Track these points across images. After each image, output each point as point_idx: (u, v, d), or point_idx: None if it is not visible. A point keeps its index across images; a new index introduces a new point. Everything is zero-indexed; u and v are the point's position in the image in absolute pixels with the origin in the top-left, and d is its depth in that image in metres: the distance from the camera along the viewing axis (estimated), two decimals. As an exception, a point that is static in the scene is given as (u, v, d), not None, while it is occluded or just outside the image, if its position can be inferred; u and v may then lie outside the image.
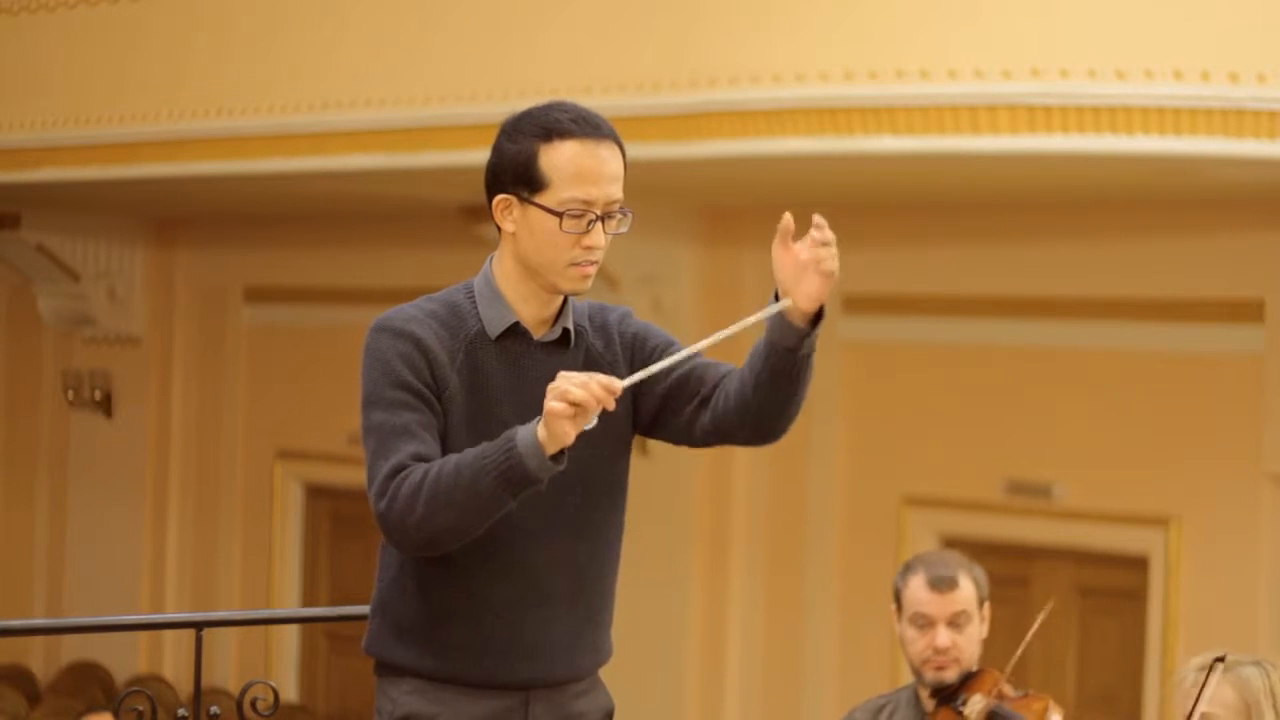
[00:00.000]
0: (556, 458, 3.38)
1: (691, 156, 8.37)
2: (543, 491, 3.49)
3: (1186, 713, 4.29)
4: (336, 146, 9.52)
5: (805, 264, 3.49)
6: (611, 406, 3.37)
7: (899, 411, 10.21)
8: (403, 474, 3.48)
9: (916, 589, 5.01)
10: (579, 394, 3.32)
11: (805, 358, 3.54)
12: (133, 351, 13.88)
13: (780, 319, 3.50)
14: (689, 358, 3.60)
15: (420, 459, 3.49)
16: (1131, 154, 7.62)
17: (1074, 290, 9.60)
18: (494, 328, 3.62)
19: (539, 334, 3.65)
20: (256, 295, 13.31)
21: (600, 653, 3.73)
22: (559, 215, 3.54)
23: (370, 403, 3.59)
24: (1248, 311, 9.01)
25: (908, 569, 5.08)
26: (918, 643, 4.98)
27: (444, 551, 3.52)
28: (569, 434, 3.35)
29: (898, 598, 5.06)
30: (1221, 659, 4.29)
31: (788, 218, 3.50)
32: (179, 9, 10.36)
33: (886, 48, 7.77)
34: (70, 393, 14.12)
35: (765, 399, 3.58)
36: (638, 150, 9.03)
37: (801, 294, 3.49)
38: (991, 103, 7.63)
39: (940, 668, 4.97)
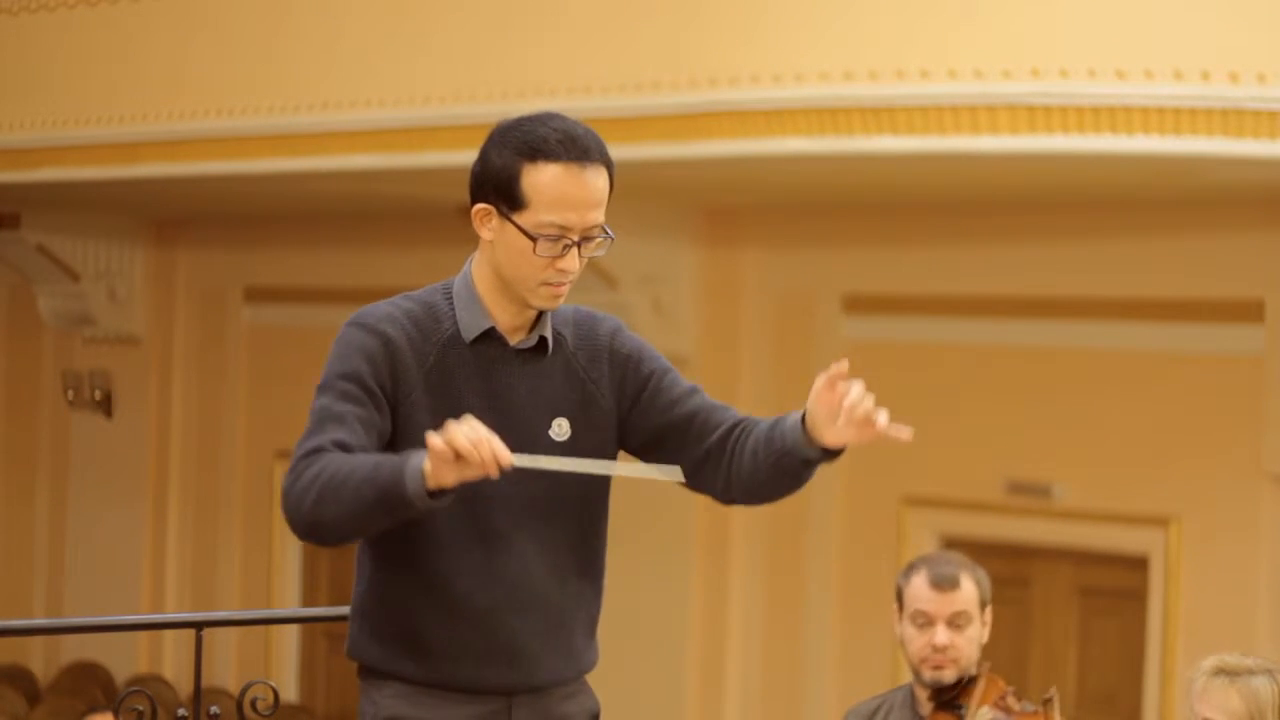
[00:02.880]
0: (437, 495, 3.32)
1: (691, 156, 8.37)
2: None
3: (1190, 715, 4.28)
4: (336, 146, 9.53)
5: (844, 413, 3.48)
6: (494, 475, 3.28)
7: (899, 411, 10.13)
8: (314, 456, 3.46)
9: (918, 587, 5.02)
10: (464, 445, 3.24)
11: (814, 468, 3.60)
12: (133, 351, 13.88)
13: (804, 434, 3.54)
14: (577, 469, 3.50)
15: (341, 446, 3.47)
16: (1131, 154, 7.62)
17: (1074, 290, 9.60)
18: (469, 332, 3.60)
19: (515, 340, 3.62)
20: (256, 295, 13.31)
21: (579, 660, 3.69)
22: (534, 239, 3.51)
23: (321, 388, 3.56)
24: (1248, 311, 9.01)
25: (911, 568, 5.09)
26: (917, 641, 4.99)
27: (329, 545, 3.52)
28: (446, 478, 3.29)
29: (899, 597, 5.06)
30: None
31: (844, 364, 3.50)
32: (179, 9, 10.37)
33: (886, 48, 7.77)
34: (70, 393, 14.12)
35: (770, 488, 3.65)
36: (638, 150, 9.07)
37: (832, 435, 3.51)
38: (991, 103, 7.63)
39: (938, 667, 4.97)
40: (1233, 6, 7.53)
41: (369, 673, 3.69)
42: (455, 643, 3.58)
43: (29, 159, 11.01)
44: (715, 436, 3.66)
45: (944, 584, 5.00)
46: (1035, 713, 4.95)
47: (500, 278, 3.58)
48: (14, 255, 13.54)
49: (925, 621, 4.98)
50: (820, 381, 3.51)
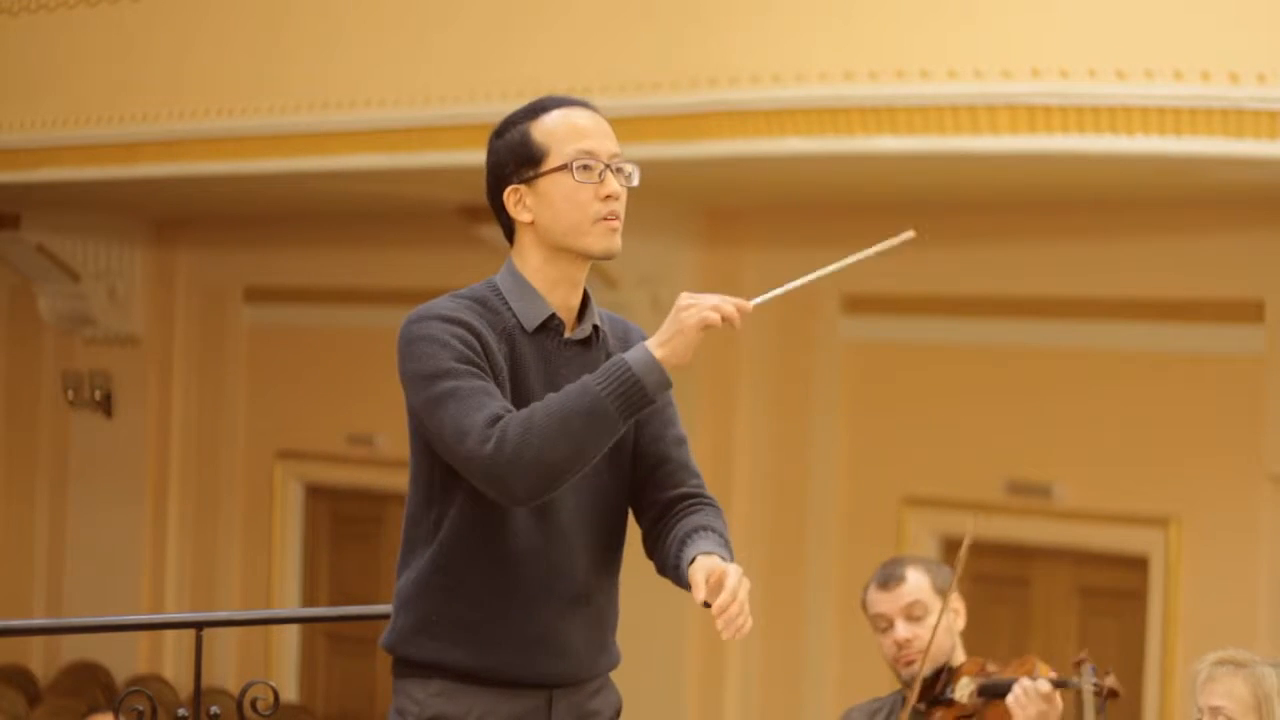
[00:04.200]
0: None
1: (691, 156, 8.37)
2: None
3: (1194, 710, 4.29)
4: (336, 146, 9.53)
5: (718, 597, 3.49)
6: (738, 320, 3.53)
7: (899, 411, 10.21)
8: (503, 421, 3.45)
9: (871, 594, 5.11)
10: (730, 309, 3.52)
11: None
12: (133, 351, 13.88)
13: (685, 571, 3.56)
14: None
15: (509, 412, 3.49)
16: (1131, 154, 7.62)
17: (1074, 290, 9.60)
18: (530, 321, 3.63)
19: (569, 330, 3.66)
20: (256, 295, 13.31)
21: (611, 654, 3.77)
22: (569, 168, 3.57)
23: (436, 376, 3.52)
24: (1248, 311, 9.01)
25: (866, 584, 5.14)
26: (884, 644, 5.05)
27: (554, 489, 3.49)
28: (689, 354, 3.46)
29: (865, 612, 5.11)
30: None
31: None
32: (179, 9, 10.37)
33: (886, 48, 7.77)
34: (70, 393, 14.11)
35: (669, 577, 3.69)
36: (638, 150, 9.05)
37: (696, 594, 3.52)
38: (991, 103, 7.63)
39: (909, 661, 5.00)
40: (1233, 7, 7.53)
41: (410, 668, 3.66)
42: (506, 634, 3.61)
43: (29, 159, 11.00)
44: (669, 495, 3.72)
45: (889, 582, 5.07)
46: (1010, 664, 4.96)
47: (553, 246, 3.61)
48: (14, 255, 13.54)
49: (886, 624, 5.04)
50: (699, 574, 3.51)
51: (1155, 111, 7.49)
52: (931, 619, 5.00)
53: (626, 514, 3.75)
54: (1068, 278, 9.60)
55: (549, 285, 3.63)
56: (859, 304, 10.36)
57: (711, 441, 10.70)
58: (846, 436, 10.29)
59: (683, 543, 3.61)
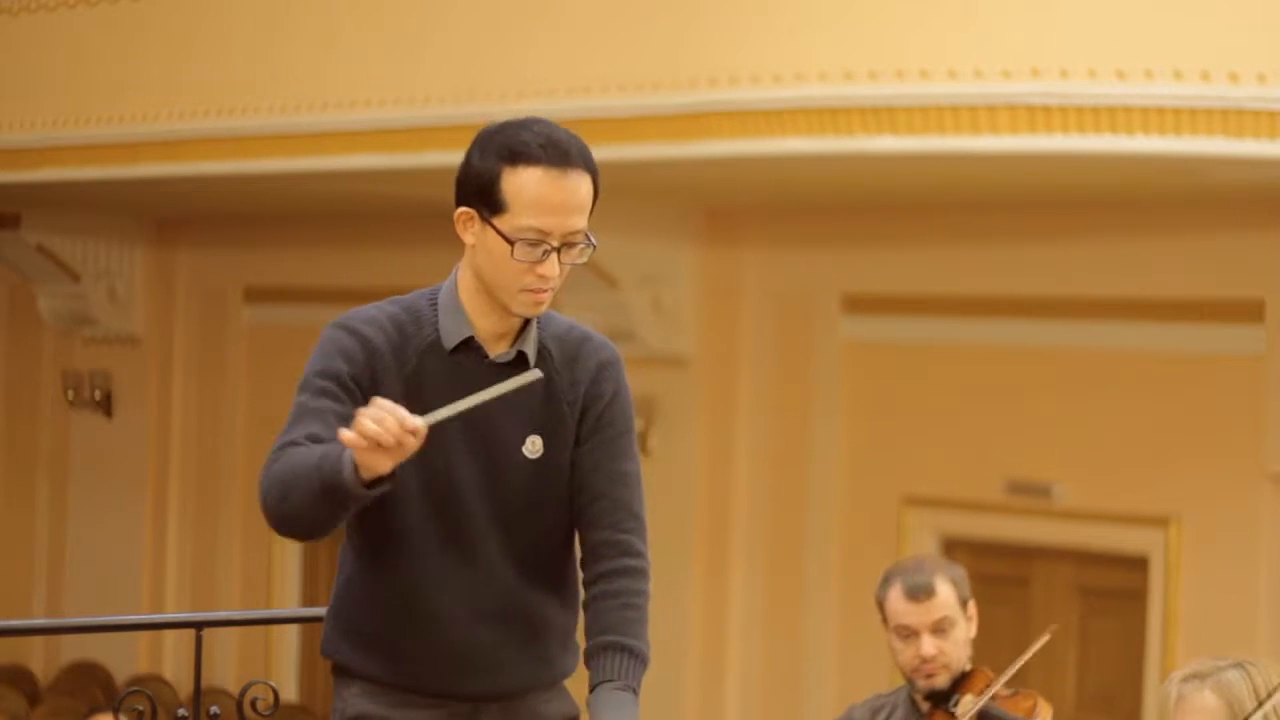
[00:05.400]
0: (375, 483, 3.30)
1: (691, 156, 8.37)
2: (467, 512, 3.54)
3: None
4: (336, 146, 9.53)
5: None
6: (413, 446, 3.25)
7: (899, 411, 10.21)
8: (283, 451, 3.46)
9: (895, 601, 4.99)
10: (372, 429, 3.22)
11: None
12: (133, 351, 13.88)
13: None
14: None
15: (314, 440, 3.46)
16: (1131, 154, 7.62)
17: (1074, 290, 9.61)
18: (449, 339, 3.59)
19: (495, 352, 3.60)
20: (256, 295, 13.31)
21: (553, 667, 3.71)
22: (511, 243, 3.48)
23: (300, 386, 3.60)
24: (1248, 311, 9.01)
25: (886, 580, 5.05)
26: (904, 653, 4.97)
27: (307, 538, 3.49)
28: (377, 465, 3.27)
29: (881, 608, 5.05)
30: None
31: None
32: (179, 9, 10.37)
33: (886, 48, 7.77)
34: (70, 393, 14.12)
35: None
36: (638, 150, 9.07)
37: None
38: (991, 103, 7.63)
39: (930, 675, 4.95)
40: (1233, 7, 7.53)
41: (340, 671, 3.71)
42: (421, 649, 3.61)
43: (29, 159, 11.01)
44: (594, 538, 3.64)
45: (919, 594, 4.96)
46: (1017, 694, 4.94)
47: (482, 282, 3.56)
48: (14, 255, 13.54)
49: (909, 634, 4.96)
50: None
51: (1155, 111, 7.49)
52: (956, 632, 4.96)
53: (558, 526, 3.67)
54: (1068, 278, 9.60)
55: (478, 311, 3.58)
56: (859, 304, 10.37)
57: (711, 442, 10.70)
58: (846, 436, 10.29)
59: (588, 659, 3.60)
